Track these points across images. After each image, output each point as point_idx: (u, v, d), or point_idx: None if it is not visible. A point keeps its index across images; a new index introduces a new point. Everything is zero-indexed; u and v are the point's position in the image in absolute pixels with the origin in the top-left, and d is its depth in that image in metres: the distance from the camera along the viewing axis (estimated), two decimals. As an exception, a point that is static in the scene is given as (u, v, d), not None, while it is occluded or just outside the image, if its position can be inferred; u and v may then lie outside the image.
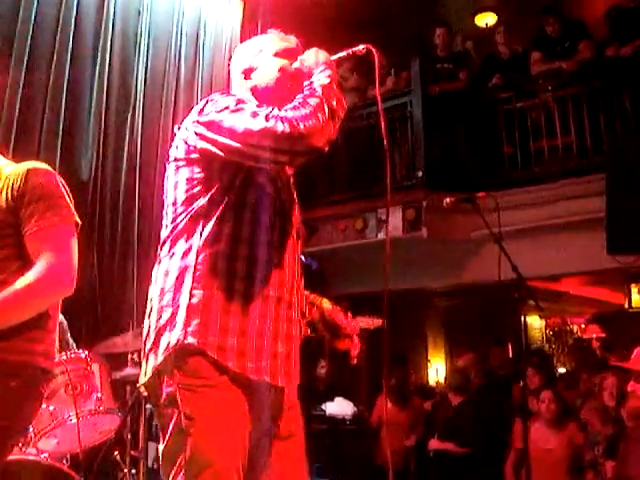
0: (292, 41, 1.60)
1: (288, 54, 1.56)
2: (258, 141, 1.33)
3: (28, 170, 1.54)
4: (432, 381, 7.87)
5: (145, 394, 1.43)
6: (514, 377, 5.10)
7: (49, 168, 1.59)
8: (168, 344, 1.33)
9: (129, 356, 2.92)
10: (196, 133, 1.40)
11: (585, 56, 4.82)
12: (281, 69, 1.53)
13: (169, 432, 1.32)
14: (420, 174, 4.84)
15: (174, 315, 1.34)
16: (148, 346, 1.38)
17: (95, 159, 3.74)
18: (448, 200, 3.03)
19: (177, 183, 1.45)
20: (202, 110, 1.41)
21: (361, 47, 1.51)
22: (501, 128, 5.08)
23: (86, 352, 2.47)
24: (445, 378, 6.78)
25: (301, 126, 1.32)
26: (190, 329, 1.32)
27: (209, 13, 4.71)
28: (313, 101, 1.38)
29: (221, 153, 1.37)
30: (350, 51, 1.53)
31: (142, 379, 1.40)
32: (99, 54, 3.87)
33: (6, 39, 3.37)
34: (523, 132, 4.99)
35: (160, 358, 1.34)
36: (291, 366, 1.44)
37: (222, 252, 1.37)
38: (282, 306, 1.43)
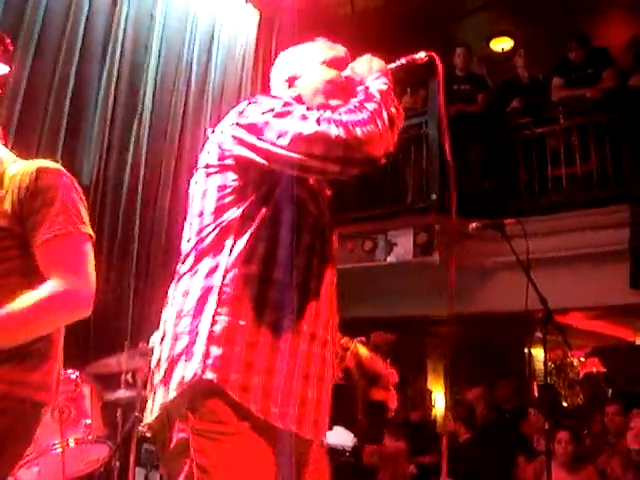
0: (340, 50, 1.45)
1: (337, 63, 1.41)
2: (307, 147, 1.16)
3: (38, 169, 1.34)
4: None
5: (148, 435, 1.22)
6: (522, 413, 4.91)
7: (61, 168, 1.39)
8: (182, 378, 1.13)
9: (122, 377, 2.71)
10: (234, 137, 1.24)
11: (609, 84, 4.72)
12: (330, 79, 1.38)
13: None
14: (434, 197, 4.68)
15: (191, 344, 1.15)
16: (158, 378, 1.18)
17: (97, 164, 3.56)
18: (474, 225, 2.85)
19: (206, 191, 1.28)
20: (242, 112, 1.25)
21: (422, 54, 1.36)
22: (518, 153, 4.95)
23: (77, 373, 2.24)
24: (445, 409, 6.56)
25: (358, 131, 1.16)
26: (209, 362, 1.12)
27: (224, 21, 4.58)
28: (371, 106, 1.22)
29: (263, 160, 1.20)
30: (410, 58, 1.37)
31: (147, 418, 1.20)
32: (108, 56, 3.71)
33: (12, 33, 3.20)
34: (541, 159, 4.86)
35: (172, 394, 1.13)
36: (320, 415, 1.23)
37: (253, 274, 1.19)
38: (315, 344, 1.23)
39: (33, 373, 1.29)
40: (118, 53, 3.74)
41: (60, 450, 2.05)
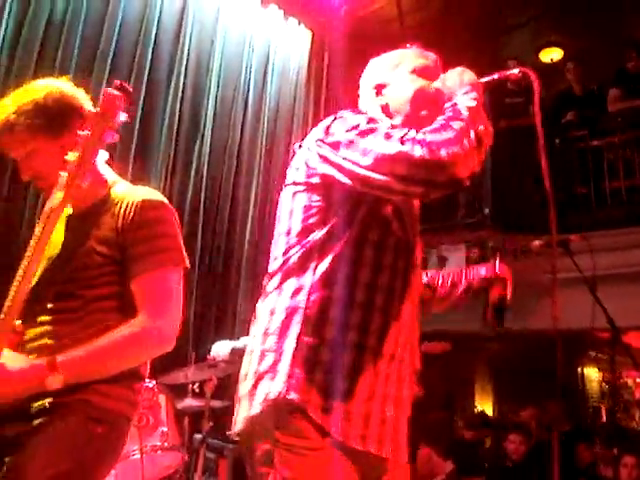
0: (431, 58, 1.40)
1: (427, 73, 1.38)
2: (390, 168, 1.14)
3: (144, 202, 1.38)
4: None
5: (237, 441, 1.28)
6: (578, 435, 4.77)
7: (164, 200, 1.43)
8: (267, 395, 1.17)
9: (190, 386, 2.80)
10: (319, 155, 1.24)
11: (669, 94, 4.59)
12: (419, 89, 1.35)
13: None
14: (487, 211, 4.65)
15: (276, 362, 1.18)
16: (245, 390, 1.23)
17: (163, 183, 3.73)
18: (537, 243, 2.84)
19: (292, 211, 1.29)
20: (328, 128, 1.24)
21: (516, 70, 1.33)
22: (574, 167, 4.86)
23: (153, 382, 2.34)
24: (499, 428, 6.41)
25: (442, 152, 1.12)
26: (293, 382, 1.15)
27: (278, 43, 4.73)
28: (457, 124, 1.18)
29: (346, 180, 1.19)
30: (502, 74, 1.35)
31: (235, 426, 1.24)
32: (173, 80, 3.91)
33: (88, 62, 3.43)
34: (598, 172, 4.76)
35: (256, 408, 1.18)
36: (399, 434, 1.24)
37: (336, 296, 1.20)
38: (394, 364, 1.24)
39: (129, 391, 1.38)
40: (182, 77, 3.94)
41: (138, 456, 2.14)
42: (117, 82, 1.25)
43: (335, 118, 1.26)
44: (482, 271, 1.55)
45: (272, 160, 4.40)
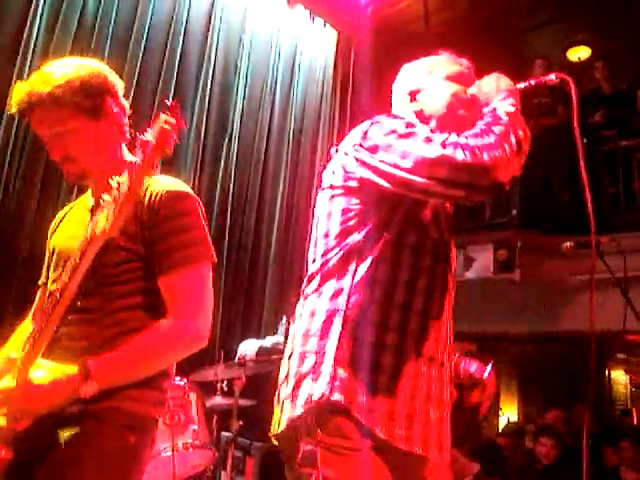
0: (464, 65, 1.41)
1: (461, 79, 1.38)
2: (431, 171, 1.14)
3: (169, 192, 1.31)
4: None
5: (276, 443, 1.28)
6: (605, 438, 4.69)
7: (189, 191, 1.37)
8: (310, 396, 1.18)
9: (218, 385, 2.83)
10: (357, 159, 1.24)
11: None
12: (454, 94, 1.35)
13: None
14: (514, 212, 4.60)
15: (319, 364, 1.19)
16: (286, 392, 1.24)
17: (192, 182, 3.76)
18: (568, 244, 2.79)
19: (331, 213, 1.29)
20: (366, 133, 1.24)
21: (553, 76, 1.33)
22: (603, 167, 4.78)
23: (184, 380, 2.35)
24: (526, 432, 6.34)
25: (485, 156, 1.13)
26: (337, 383, 1.16)
27: (305, 43, 4.76)
28: (498, 129, 1.18)
29: (385, 183, 1.20)
30: (539, 80, 1.34)
31: (276, 429, 1.25)
32: (201, 80, 3.96)
33: (118, 62, 3.48)
34: (627, 173, 4.68)
35: (299, 410, 1.19)
36: (442, 435, 1.25)
37: (376, 299, 1.21)
38: (434, 366, 1.25)
39: (158, 391, 1.33)
40: (210, 77, 3.98)
41: (169, 454, 2.16)
42: (171, 102, 1.13)
43: (372, 123, 1.26)
44: (472, 367, 1.51)
45: (299, 158, 4.42)
